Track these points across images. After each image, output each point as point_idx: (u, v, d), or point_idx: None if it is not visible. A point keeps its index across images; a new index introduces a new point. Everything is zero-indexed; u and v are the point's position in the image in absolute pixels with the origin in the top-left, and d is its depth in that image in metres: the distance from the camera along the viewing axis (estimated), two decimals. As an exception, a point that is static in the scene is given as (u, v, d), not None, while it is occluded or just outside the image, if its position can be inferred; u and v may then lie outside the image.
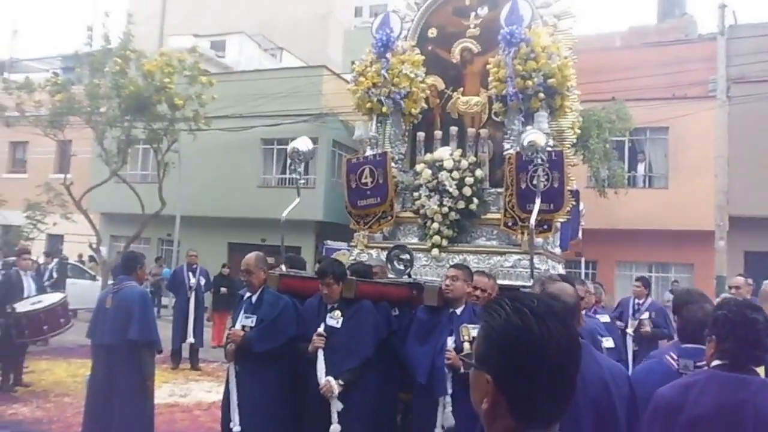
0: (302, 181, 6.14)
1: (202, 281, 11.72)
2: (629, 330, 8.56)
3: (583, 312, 5.47)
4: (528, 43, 5.73)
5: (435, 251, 6.08)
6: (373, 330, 4.70)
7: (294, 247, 17.24)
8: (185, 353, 11.19)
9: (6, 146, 26.90)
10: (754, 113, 16.54)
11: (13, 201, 21.62)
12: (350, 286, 4.86)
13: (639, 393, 2.74)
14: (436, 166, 6.13)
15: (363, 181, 6.30)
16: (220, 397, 5.29)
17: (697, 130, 17.40)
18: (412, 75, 6.42)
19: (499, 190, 6.02)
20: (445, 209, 6.02)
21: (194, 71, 15.63)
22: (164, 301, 18.57)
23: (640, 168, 19.41)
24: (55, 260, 15.19)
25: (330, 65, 23.36)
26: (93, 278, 17.62)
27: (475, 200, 6.04)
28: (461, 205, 6.02)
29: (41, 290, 9.73)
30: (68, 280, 15.19)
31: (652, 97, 17.42)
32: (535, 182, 5.28)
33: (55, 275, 14.22)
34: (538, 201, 5.17)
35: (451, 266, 4.92)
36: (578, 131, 7.07)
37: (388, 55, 6.44)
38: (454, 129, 6.43)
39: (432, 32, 6.86)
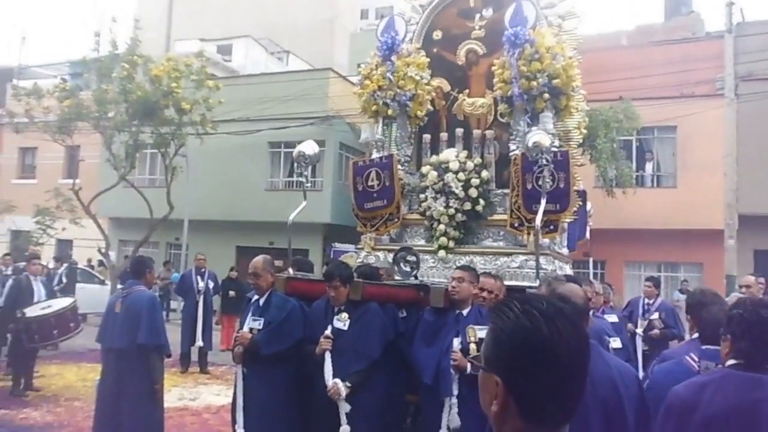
0: (308, 185, 6.15)
1: (211, 285, 11.76)
2: (639, 330, 8.53)
3: (591, 312, 5.48)
4: (532, 44, 5.73)
5: (442, 253, 6.09)
6: (380, 332, 4.70)
7: (302, 250, 17.25)
8: (194, 357, 11.23)
9: (15, 152, 27.08)
10: (762, 111, 16.45)
11: (22, 206, 21.80)
12: (357, 289, 4.87)
13: (659, 393, 2.73)
14: (442, 168, 6.14)
15: (369, 183, 6.32)
16: (230, 400, 5.31)
17: (705, 128, 17.31)
18: (418, 77, 6.44)
19: (506, 191, 6.02)
20: (452, 211, 6.02)
21: (201, 75, 15.68)
22: (173, 304, 18.63)
23: (648, 167, 19.32)
24: (65, 265, 15.26)
25: (336, 68, 23.40)
26: (102, 283, 17.70)
27: (482, 201, 6.04)
28: (467, 206, 6.02)
29: (51, 295, 9.78)
30: (77, 285, 15.26)
31: (660, 95, 17.33)
32: (540, 183, 5.27)
33: (64, 280, 14.29)
34: (543, 202, 5.16)
35: (457, 268, 4.93)
36: (585, 131, 7.05)
37: (393, 57, 6.46)
38: (459, 131, 6.43)
39: (437, 34, 6.87)
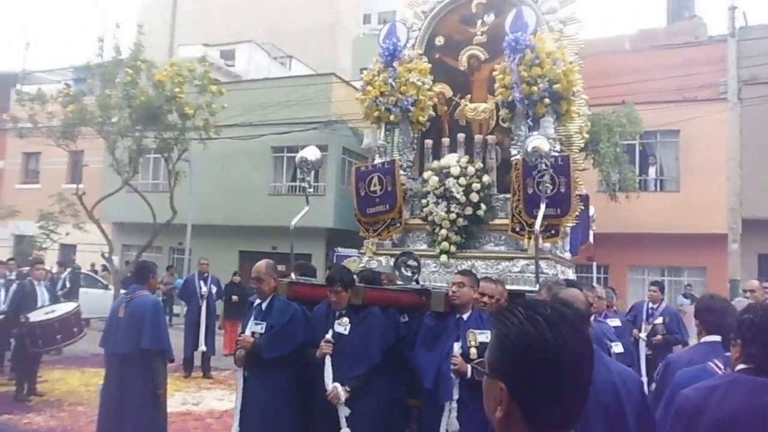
0: (311, 190, 6.17)
1: (214, 289, 11.78)
2: (643, 335, 8.52)
3: (592, 317, 5.48)
4: (533, 50, 5.75)
5: (443, 257, 6.09)
6: (381, 337, 4.73)
7: (305, 255, 17.28)
8: (197, 361, 11.24)
9: (19, 157, 27.18)
10: (765, 114, 16.45)
11: (26, 211, 21.88)
12: (358, 293, 4.89)
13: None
14: (443, 173, 6.15)
15: (372, 189, 6.33)
16: (233, 405, 5.32)
17: (709, 132, 17.30)
18: (419, 83, 6.46)
19: (507, 195, 6.03)
20: (453, 215, 6.03)
21: (204, 80, 15.70)
22: (176, 309, 18.65)
23: (651, 171, 19.30)
24: (68, 270, 15.28)
25: (339, 73, 23.45)
26: (105, 287, 17.72)
27: (483, 206, 6.05)
28: (469, 211, 6.03)
29: (55, 300, 9.82)
30: (81, 290, 15.27)
31: (663, 100, 17.34)
32: (541, 188, 5.28)
33: (68, 285, 14.30)
34: (543, 206, 5.17)
35: (457, 273, 4.95)
36: (586, 136, 7.06)
37: (395, 64, 6.49)
38: (461, 136, 6.45)
39: (439, 40, 6.90)
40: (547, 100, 5.79)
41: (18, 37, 68.58)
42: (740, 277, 15.18)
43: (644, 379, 7.58)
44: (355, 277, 5.12)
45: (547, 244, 5.81)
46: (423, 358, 4.61)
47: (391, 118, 6.53)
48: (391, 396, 4.74)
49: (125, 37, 16.09)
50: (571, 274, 6.38)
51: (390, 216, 6.33)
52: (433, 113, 6.70)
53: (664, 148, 19.19)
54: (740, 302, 5.15)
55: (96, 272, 20.51)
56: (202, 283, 11.59)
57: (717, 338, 3.37)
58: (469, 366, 4.31)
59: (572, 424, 1.33)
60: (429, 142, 6.63)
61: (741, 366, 2.60)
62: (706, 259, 17.63)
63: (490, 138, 6.34)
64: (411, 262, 5.62)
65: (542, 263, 5.57)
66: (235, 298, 13.24)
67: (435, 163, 6.35)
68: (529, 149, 5.16)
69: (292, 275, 5.82)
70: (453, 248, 6.09)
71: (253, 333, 5.00)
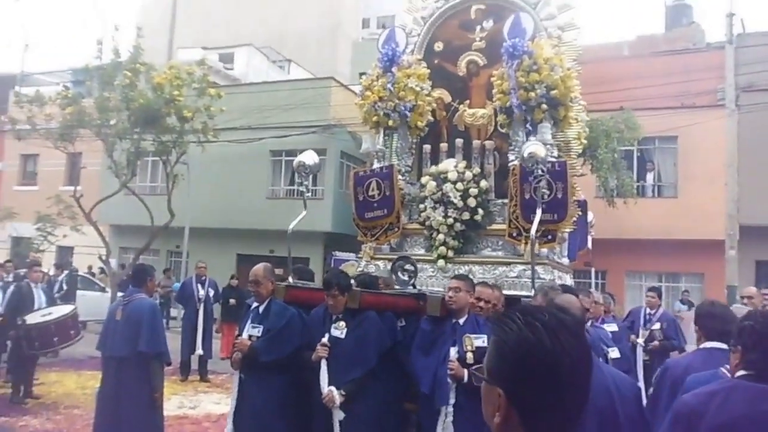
0: (308, 194, 6.18)
1: (211, 293, 11.75)
2: (640, 340, 8.53)
3: (589, 323, 5.49)
4: (530, 56, 5.77)
5: (441, 262, 6.11)
6: (377, 341, 4.74)
7: (302, 258, 17.26)
8: (194, 365, 11.21)
9: (17, 159, 27.15)
10: (763, 121, 16.49)
11: (24, 213, 21.84)
12: (355, 297, 4.90)
13: None
14: (441, 178, 6.18)
15: (370, 193, 6.35)
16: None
17: (707, 139, 17.34)
18: (418, 88, 6.48)
19: (505, 201, 6.04)
20: (450, 220, 6.05)
21: (203, 84, 15.72)
22: (173, 312, 18.62)
23: (649, 177, 19.34)
24: (65, 272, 15.27)
25: (338, 77, 23.47)
26: (103, 290, 17.70)
27: (480, 211, 6.07)
28: (466, 216, 6.05)
29: (51, 302, 9.79)
30: (78, 292, 15.25)
31: (661, 106, 17.39)
32: (537, 193, 5.29)
33: (65, 287, 14.29)
34: (539, 211, 5.19)
35: (453, 277, 4.95)
36: (585, 142, 7.07)
37: (394, 69, 6.52)
38: (459, 141, 6.47)
39: (438, 46, 6.92)
40: (544, 106, 5.81)
41: (17, 39, 68.60)
42: (738, 284, 15.21)
43: (641, 384, 7.58)
44: (352, 281, 5.12)
45: (545, 250, 5.82)
46: (419, 363, 4.62)
47: (390, 123, 6.55)
48: (386, 400, 4.75)
49: (124, 40, 16.12)
50: (569, 280, 6.39)
51: (388, 221, 6.35)
52: (431, 118, 6.73)
53: (662, 154, 19.23)
54: (738, 309, 5.15)
55: (93, 275, 20.49)
56: (199, 286, 11.57)
57: (716, 344, 3.37)
58: (465, 370, 4.31)
59: (571, 429, 1.33)
60: (427, 147, 6.65)
61: (741, 372, 2.61)
62: (703, 266, 17.65)
63: (488, 143, 6.36)
64: (408, 267, 5.62)
65: (539, 268, 5.58)
66: (232, 301, 13.20)
67: (433, 168, 6.37)
68: (526, 155, 5.18)
69: (290, 279, 5.82)
70: (450, 253, 6.10)
71: (250, 336, 5.02)
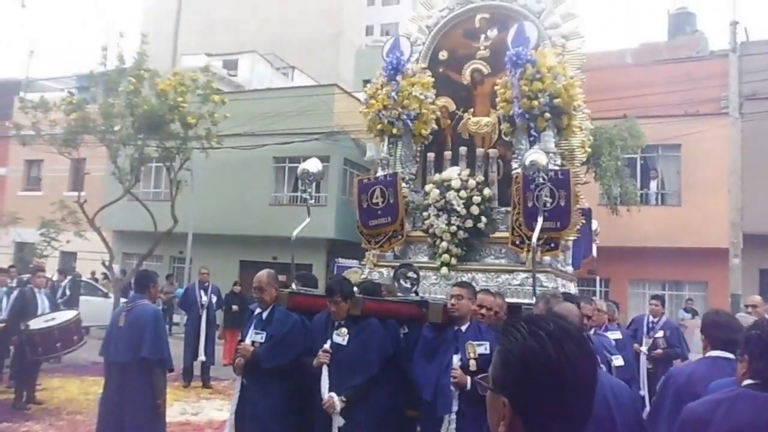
0: (312, 201, 6.20)
1: (214, 299, 11.75)
2: (643, 348, 8.50)
3: (592, 330, 5.48)
4: (534, 64, 5.80)
5: (444, 270, 6.12)
6: (379, 348, 4.75)
7: (305, 265, 17.27)
8: (197, 371, 11.20)
9: (21, 164, 27.23)
10: (766, 129, 16.48)
11: (27, 219, 21.89)
12: (357, 304, 4.91)
13: None
14: (444, 186, 6.19)
15: (374, 201, 6.37)
16: (231, 413, 5.32)
17: (710, 147, 17.33)
18: (422, 97, 6.51)
19: (508, 209, 6.05)
20: (453, 228, 6.07)
21: (207, 90, 15.73)
22: (176, 318, 18.62)
23: (653, 185, 19.33)
24: (69, 278, 15.26)
25: (341, 84, 23.53)
26: (106, 296, 17.70)
27: (483, 219, 6.08)
28: (469, 223, 6.06)
29: (55, 308, 9.80)
30: (81, 298, 15.24)
31: (664, 114, 17.39)
32: (539, 201, 5.30)
33: (68, 292, 14.27)
34: (540, 219, 5.20)
35: (455, 285, 4.96)
36: (589, 150, 7.09)
37: (399, 77, 6.55)
38: (463, 149, 6.50)
39: (443, 55, 6.95)
40: (547, 115, 5.83)
41: (22, 45, 68.86)
42: (742, 292, 15.18)
43: (644, 393, 7.56)
44: (355, 288, 5.13)
45: (548, 258, 5.83)
46: (422, 370, 4.63)
47: (394, 131, 6.58)
48: (388, 407, 4.75)
49: (129, 46, 16.15)
50: (572, 288, 6.39)
51: (392, 228, 6.37)
52: (436, 126, 6.76)
53: (665, 162, 19.22)
54: (743, 318, 5.14)
55: (96, 280, 20.49)
56: (202, 292, 11.57)
57: (721, 353, 3.37)
58: (468, 378, 4.31)
59: (575, 438, 1.33)
60: (431, 155, 6.69)
61: (748, 381, 2.62)
62: (707, 274, 17.62)
63: (492, 151, 6.38)
64: (410, 274, 5.63)
65: (542, 276, 5.59)
66: (235, 307, 13.20)
67: (436, 176, 6.39)
68: (527, 163, 5.20)
69: (294, 285, 5.83)
70: (453, 260, 6.11)
71: (253, 342, 5.04)
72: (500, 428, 1.33)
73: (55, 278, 14.80)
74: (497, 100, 6.19)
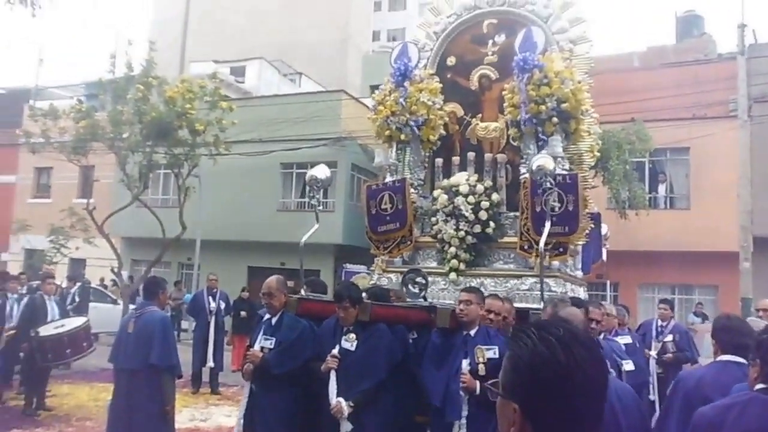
0: (320, 208, 6.21)
1: (222, 305, 11.77)
2: (653, 353, 8.44)
3: (602, 335, 5.45)
4: (541, 69, 5.80)
5: (453, 275, 6.12)
6: (387, 354, 4.75)
7: (313, 271, 17.26)
8: (205, 377, 11.21)
9: (31, 172, 27.39)
10: (776, 132, 16.38)
11: (37, 226, 22.00)
12: (365, 310, 4.91)
13: None
14: (452, 192, 6.20)
15: (383, 206, 6.38)
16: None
17: (719, 150, 17.24)
18: (430, 103, 6.52)
19: (517, 213, 6.04)
20: (462, 233, 6.07)
21: (215, 97, 15.80)
22: (184, 324, 18.65)
23: (661, 189, 19.24)
24: (78, 284, 15.33)
25: (349, 89, 23.58)
26: (114, 302, 17.76)
27: (492, 224, 6.08)
28: (477, 229, 6.06)
29: (64, 314, 9.83)
30: (90, 304, 15.30)
31: (672, 117, 17.32)
32: (546, 206, 5.30)
33: (77, 299, 14.34)
34: (548, 224, 5.20)
35: (463, 290, 4.96)
36: (598, 154, 7.07)
37: (406, 83, 6.57)
38: (471, 154, 6.51)
39: (451, 60, 6.97)
40: (555, 119, 5.83)
41: (31, 54, 69.38)
42: (752, 296, 15.06)
43: (655, 397, 7.51)
44: (363, 293, 5.13)
45: (556, 262, 5.82)
46: (430, 376, 4.63)
47: (402, 137, 6.60)
48: (396, 412, 4.75)
49: (137, 54, 16.23)
50: (582, 293, 6.37)
51: (400, 234, 6.37)
52: (444, 132, 6.77)
53: (674, 166, 19.13)
54: (754, 322, 5.10)
55: (105, 287, 20.57)
56: (210, 298, 11.59)
57: (732, 357, 3.36)
58: (477, 382, 4.30)
59: (585, 444, 1.32)
60: (440, 161, 6.69)
61: (760, 386, 2.60)
62: (717, 278, 17.49)
63: (500, 157, 6.39)
64: (418, 279, 5.64)
65: (551, 281, 5.57)
66: (243, 313, 13.22)
67: (444, 182, 6.40)
68: (534, 168, 5.21)
69: (303, 291, 5.83)
70: (462, 266, 6.12)
71: (262, 348, 5.05)
72: None
73: (64, 285, 14.87)
74: (505, 105, 6.19)
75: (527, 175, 5.87)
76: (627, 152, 16.18)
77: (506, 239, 6.15)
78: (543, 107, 5.78)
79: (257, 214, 20.75)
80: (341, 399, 4.58)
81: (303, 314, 5.27)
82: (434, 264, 6.40)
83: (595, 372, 1.31)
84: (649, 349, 8.46)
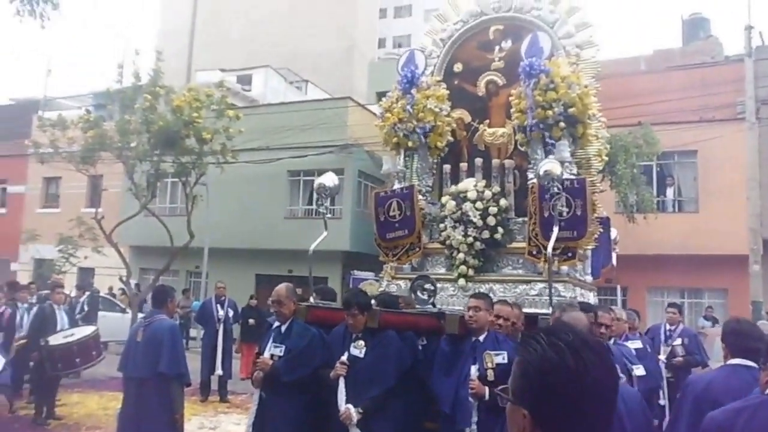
0: (329, 215, 6.21)
1: (230, 313, 11.77)
2: (662, 357, 8.39)
3: (612, 340, 5.42)
4: (547, 74, 5.80)
5: (462, 281, 6.11)
6: (396, 360, 4.75)
7: (321, 278, 17.25)
8: (214, 385, 11.21)
9: (40, 182, 27.55)
10: (783, 134, 16.30)
11: (46, 235, 22.13)
12: (374, 317, 4.91)
13: None
14: (460, 198, 6.20)
15: (391, 214, 6.39)
16: (250, 429, 5.32)
17: (727, 152, 17.17)
18: (437, 109, 6.53)
19: (525, 219, 6.03)
20: (470, 239, 6.06)
21: (222, 105, 15.86)
22: (192, 333, 18.67)
23: (669, 192, 19.17)
24: (87, 293, 15.38)
25: (355, 96, 23.62)
26: (123, 311, 17.81)
27: (500, 230, 6.07)
28: (486, 234, 6.05)
29: (74, 323, 9.86)
30: (99, 313, 15.35)
31: (680, 120, 17.26)
32: (554, 211, 5.28)
33: (86, 308, 14.39)
34: (555, 229, 5.18)
35: (472, 296, 4.95)
36: (606, 158, 7.06)
37: (413, 91, 6.58)
38: (479, 160, 6.50)
39: (458, 67, 6.98)
40: (562, 124, 5.82)
41: (40, 65, 69.90)
42: (762, 299, 14.97)
43: (665, 402, 7.45)
44: (372, 300, 5.13)
45: (565, 267, 5.80)
46: (440, 383, 4.63)
47: (410, 144, 6.61)
48: (405, 419, 4.74)
49: (144, 64, 16.33)
50: (592, 297, 6.35)
51: (409, 241, 6.38)
52: (451, 138, 6.77)
53: (681, 169, 19.06)
54: (764, 325, 5.07)
55: (114, 296, 20.63)
56: (218, 306, 11.60)
57: (741, 361, 3.35)
58: (486, 388, 4.29)
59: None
60: (447, 167, 6.69)
61: None
62: (727, 281, 17.39)
63: (508, 162, 6.38)
64: (427, 286, 5.63)
65: (560, 286, 5.56)
66: (251, 321, 13.22)
67: (452, 188, 6.40)
68: (541, 173, 5.20)
69: (312, 299, 5.84)
70: (471, 272, 6.11)
71: (272, 355, 5.05)
72: None
73: (73, 294, 14.93)
74: (512, 110, 6.19)
75: (535, 180, 5.86)
76: (634, 156, 16.14)
77: (515, 245, 6.14)
78: (550, 112, 5.77)
79: (265, 221, 20.80)
80: (350, 405, 4.58)
81: (312, 322, 5.27)
82: (443, 270, 6.39)
83: (604, 377, 1.31)
84: (658, 354, 8.41)
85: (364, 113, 20.59)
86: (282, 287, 5.23)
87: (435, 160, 6.85)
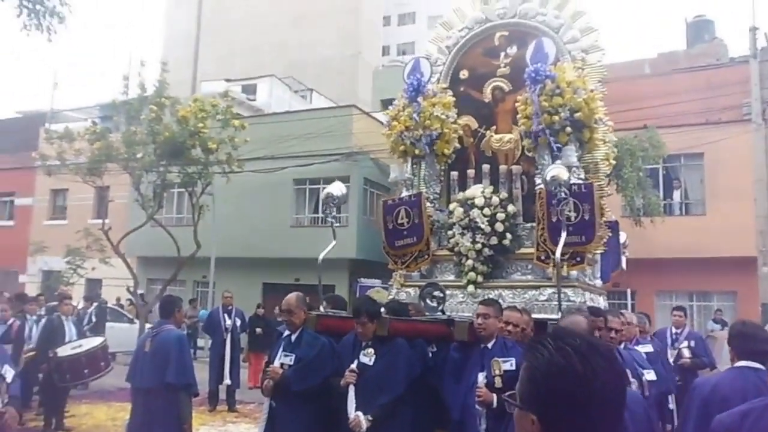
0: (337, 224, 6.23)
1: (238, 322, 11.77)
2: (669, 359, 8.33)
3: (622, 344, 5.39)
4: (553, 80, 5.81)
5: (471, 288, 6.10)
6: (405, 368, 4.75)
7: (328, 286, 17.20)
8: (222, 395, 11.20)
9: (47, 194, 27.68)
10: (790, 136, 16.24)
11: (54, 247, 22.21)
12: (384, 324, 4.91)
13: None
14: (468, 204, 6.20)
15: (399, 221, 6.40)
16: (258, 437, 5.32)
17: (733, 154, 17.11)
18: (444, 117, 6.54)
19: (533, 224, 6.02)
20: (479, 246, 6.06)
21: (227, 115, 15.91)
22: (200, 342, 18.68)
23: (676, 195, 19.11)
24: (95, 304, 15.41)
25: (359, 104, 23.68)
26: (131, 321, 17.83)
27: (508, 236, 6.07)
28: (494, 241, 6.05)
29: (82, 335, 9.87)
30: (107, 324, 15.38)
31: (685, 123, 17.22)
32: (562, 215, 5.27)
33: (94, 319, 14.41)
34: (564, 234, 5.18)
35: (481, 303, 4.94)
36: (613, 162, 7.05)
37: (420, 98, 6.59)
38: (486, 167, 6.51)
39: (464, 74, 6.99)
40: (569, 129, 5.83)
41: (46, 78, 70.43)
42: (772, 302, 14.88)
43: (673, 406, 7.39)
44: (381, 308, 5.12)
45: (574, 272, 5.78)
46: (450, 390, 4.64)
47: (417, 151, 6.63)
48: (415, 426, 4.73)
49: (149, 75, 16.41)
50: (602, 302, 6.32)
51: (418, 248, 6.38)
52: (458, 145, 6.78)
53: (688, 172, 19.01)
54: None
55: (121, 306, 20.66)
56: (226, 316, 11.60)
57: (748, 363, 3.35)
58: (494, 395, 4.27)
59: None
60: (455, 174, 6.70)
61: None
62: (736, 283, 17.29)
63: (515, 168, 6.38)
64: (436, 293, 5.63)
65: (569, 291, 5.54)
66: (259, 330, 13.22)
67: (460, 195, 6.41)
68: (548, 178, 5.20)
69: (321, 308, 5.83)
70: (480, 278, 6.11)
71: (282, 364, 5.06)
72: None
73: (81, 305, 14.96)
74: (518, 116, 6.20)
75: (542, 186, 5.85)
76: (640, 159, 16.10)
77: (523, 250, 6.13)
78: (556, 117, 5.77)
79: (271, 230, 20.82)
80: (360, 413, 4.58)
81: (322, 330, 5.27)
82: (452, 277, 6.39)
83: (612, 381, 1.31)
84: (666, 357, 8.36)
85: (369, 121, 20.62)
86: (292, 297, 5.24)
87: (442, 168, 6.86)
